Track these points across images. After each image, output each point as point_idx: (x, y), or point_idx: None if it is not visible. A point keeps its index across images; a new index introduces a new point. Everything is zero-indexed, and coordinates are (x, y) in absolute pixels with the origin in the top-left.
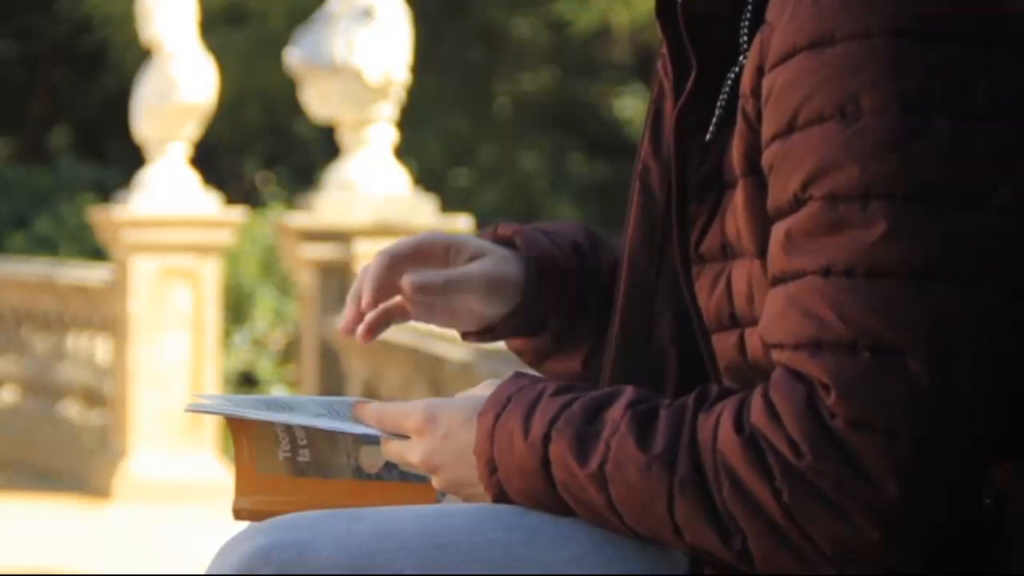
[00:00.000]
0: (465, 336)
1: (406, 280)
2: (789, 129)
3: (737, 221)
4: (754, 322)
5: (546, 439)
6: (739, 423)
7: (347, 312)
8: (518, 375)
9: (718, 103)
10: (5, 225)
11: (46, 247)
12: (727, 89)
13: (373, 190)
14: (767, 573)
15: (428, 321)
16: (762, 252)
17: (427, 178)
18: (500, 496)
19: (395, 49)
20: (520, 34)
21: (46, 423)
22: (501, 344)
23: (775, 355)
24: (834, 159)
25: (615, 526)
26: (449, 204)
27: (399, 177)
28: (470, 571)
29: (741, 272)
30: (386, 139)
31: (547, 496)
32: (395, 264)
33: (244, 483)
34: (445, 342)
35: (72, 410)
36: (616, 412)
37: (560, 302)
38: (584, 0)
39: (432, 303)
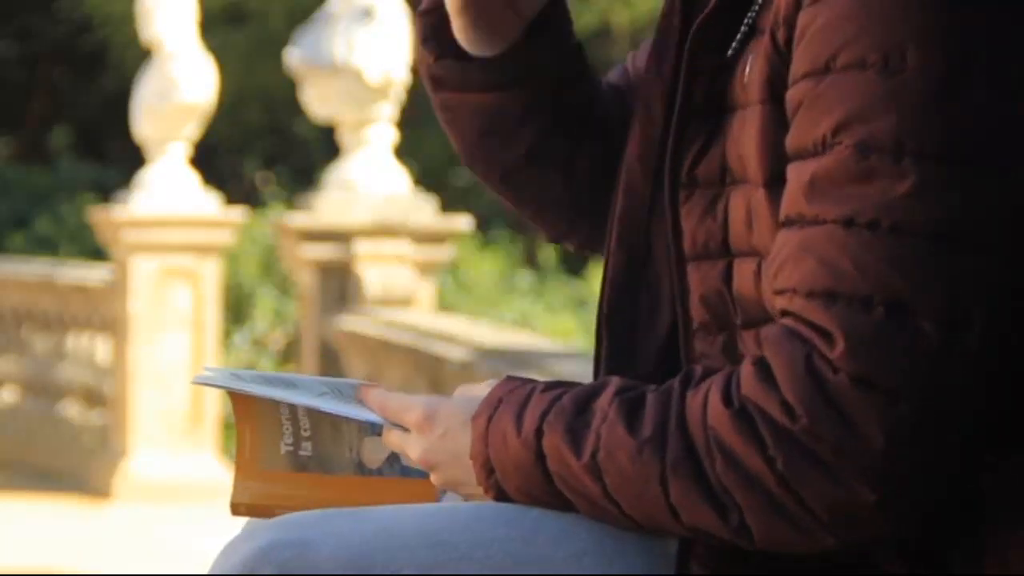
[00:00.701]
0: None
1: None
2: (825, 69)
3: (742, 147)
4: (749, 253)
5: (539, 433)
6: (728, 396)
7: None
8: (510, 378)
9: (745, 21)
10: (5, 225)
11: (46, 247)
12: (756, 7)
13: (373, 190)
14: (767, 547)
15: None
16: (768, 182)
17: (427, 178)
18: (500, 496)
19: (395, 49)
20: None
21: (46, 423)
22: (501, 344)
23: (780, 302)
24: (871, 108)
25: (613, 515)
26: (449, 204)
27: (399, 177)
28: (471, 570)
29: (740, 200)
30: (386, 139)
31: (545, 491)
32: None
33: (243, 478)
34: (445, 342)
35: (72, 410)
36: (604, 401)
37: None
38: (584, 0)
39: None
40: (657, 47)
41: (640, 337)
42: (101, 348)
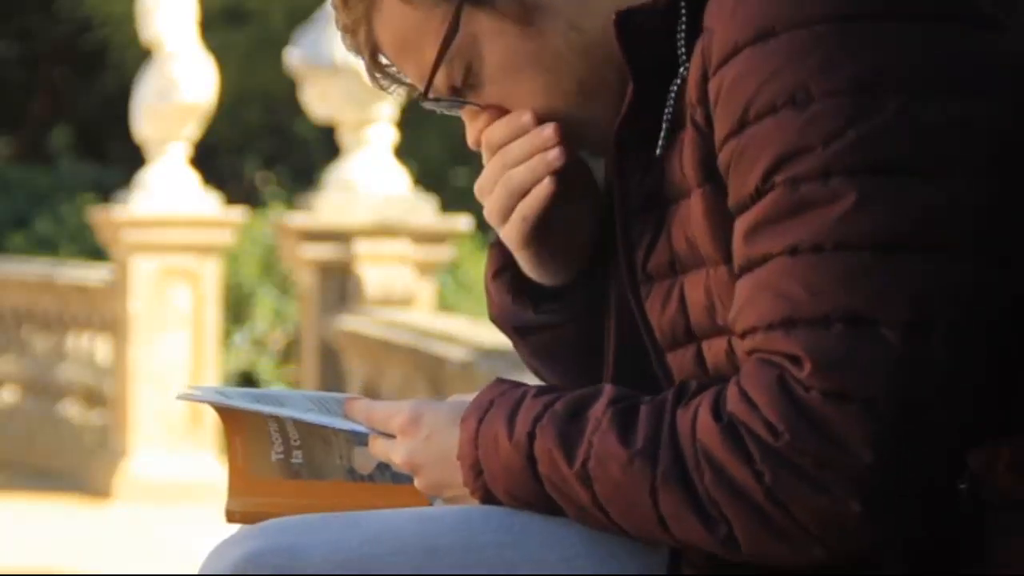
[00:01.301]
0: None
1: None
2: (742, 125)
3: (692, 232)
4: (714, 333)
5: (531, 437)
6: (717, 412)
7: None
8: (499, 381)
9: (664, 117)
10: (5, 225)
11: (46, 247)
12: (671, 102)
13: (373, 190)
14: (754, 559)
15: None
16: (728, 259)
17: (427, 178)
18: (487, 499)
19: None
20: None
21: (46, 423)
22: (501, 344)
23: (745, 343)
24: (792, 146)
25: (602, 523)
26: (449, 204)
27: (399, 177)
28: (462, 573)
29: (695, 284)
30: (386, 139)
31: (534, 494)
32: None
33: (237, 485)
34: (445, 342)
35: (72, 410)
36: (598, 410)
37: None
38: None
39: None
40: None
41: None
42: (101, 348)
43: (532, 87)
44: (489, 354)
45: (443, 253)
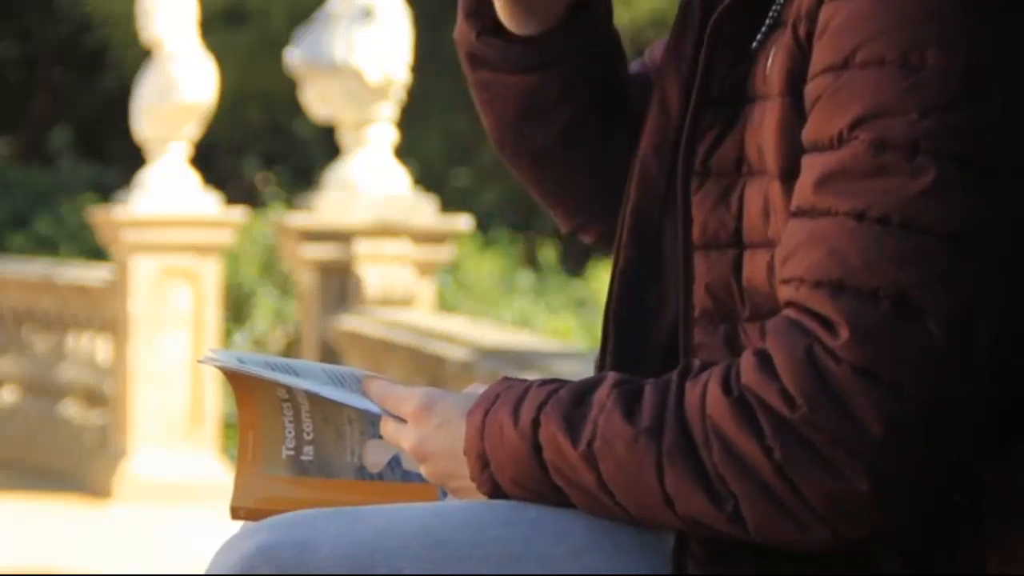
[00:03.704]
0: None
1: None
2: (844, 64)
3: (761, 138)
4: (763, 244)
5: (535, 424)
6: (727, 386)
7: None
8: (506, 378)
9: (770, 13)
10: (5, 225)
11: (46, 247)
12: (780, 3)
13: (373, 190)
14: (760, 538)
15: None
16: (784, 176)
17: (427, 178)
18: (494, 491)
19: (395, 49)
20: None
21: (46, 423)
22: (501, 344)
23: (786, 291)
24: (889, 104)
25: (608, 507)
26: (449, 204)
27: (399, 177)
28: (471, 569)
29: (757, 191)
30: (386, 139)
31: (540, 482)
32: None
33: (244, 482)
34: (445, 342)
35: (72, 410)
36: (602, 392)
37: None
38: None
39: None
40: (674, 39)
41: (646, 334)
42: (101, 348)
43: None
44: (489, 354)
45: (443, 253)
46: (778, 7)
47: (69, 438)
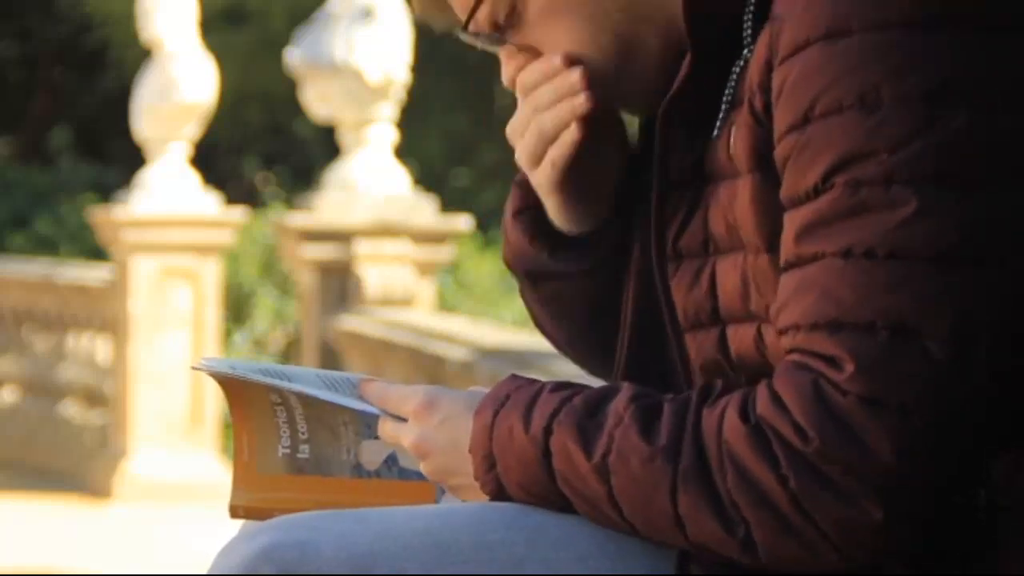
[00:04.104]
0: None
1: None
2: (806, 120)
3: (736, 216)
4: (744, 318)
5: (547, 431)
6: (745, 413)
7: None
8: (514, 377)
9: (724, 97)
10: (5, 225)
11: (46, 247)
12: (732, 83)
13: (373, 190)
14: (770, 563)
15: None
16: (771, 248)
17: (427, 178)
18: (497, 492)
19: (395, 49)
20: None
21: (46, 423)
22: (501, 344)
23: (785, 340)
24: (856, 149)
25: (613, 521)
26: (449, 204)
27: (399, 177)
28: (473, 571)
29: (730, 267)
30: (386, 139)
31: (546, 489)
32: None
33: (241, 481)
34: (445, 342)
35: (72, 410)
36: (619, 405)
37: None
38: None
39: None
40: (646, 126)
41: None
42: (101, 348)
43: (570, 33)
44: (489, 354)
45: (443, 253)
46: (732, 87)
47: (69, 438)
